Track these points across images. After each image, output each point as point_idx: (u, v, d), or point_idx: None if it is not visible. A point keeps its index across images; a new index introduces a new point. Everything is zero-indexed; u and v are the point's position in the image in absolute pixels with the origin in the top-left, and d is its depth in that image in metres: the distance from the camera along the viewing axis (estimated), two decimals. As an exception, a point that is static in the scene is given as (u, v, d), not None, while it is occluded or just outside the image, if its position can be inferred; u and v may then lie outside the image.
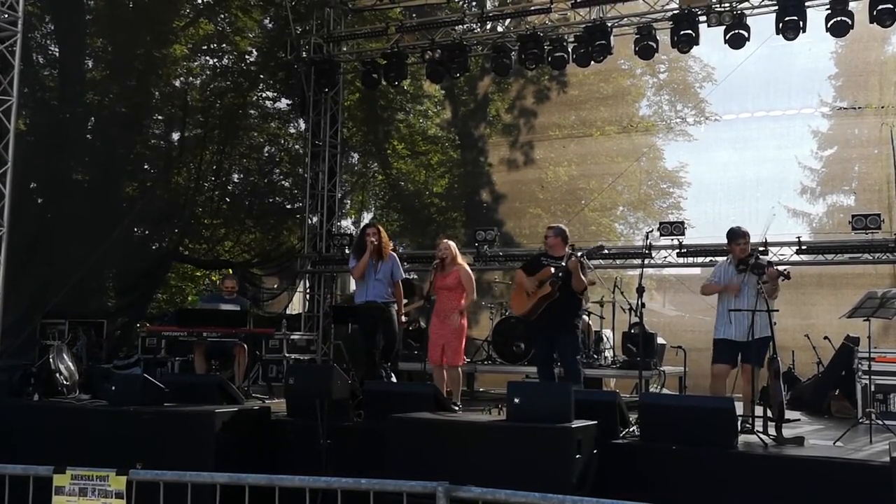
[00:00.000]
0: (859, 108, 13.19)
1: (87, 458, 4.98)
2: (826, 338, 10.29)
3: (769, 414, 6.98)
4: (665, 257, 12.26)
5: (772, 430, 6.74)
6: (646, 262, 11.65)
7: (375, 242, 8.39)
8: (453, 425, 6.30)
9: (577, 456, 5.67)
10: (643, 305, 7.51)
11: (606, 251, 8.72)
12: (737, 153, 14.97)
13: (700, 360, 9.50)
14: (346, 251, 14.30)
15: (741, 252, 7.56)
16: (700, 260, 12.06)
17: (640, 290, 7.52)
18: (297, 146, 16.99)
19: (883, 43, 13.87)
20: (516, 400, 5.97)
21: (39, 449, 6.76)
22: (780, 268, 7.31)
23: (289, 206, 16.84)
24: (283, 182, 17.30)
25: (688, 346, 10.74)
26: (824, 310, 11.89)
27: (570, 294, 7.86)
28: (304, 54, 14.60)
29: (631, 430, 6.66)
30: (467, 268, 8.43)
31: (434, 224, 17.40)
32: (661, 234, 11.95)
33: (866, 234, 10.88)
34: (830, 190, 16.44)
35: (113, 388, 7.29)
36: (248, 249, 16.63)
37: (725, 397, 6.96)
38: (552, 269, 7.77)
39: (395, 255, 8.77)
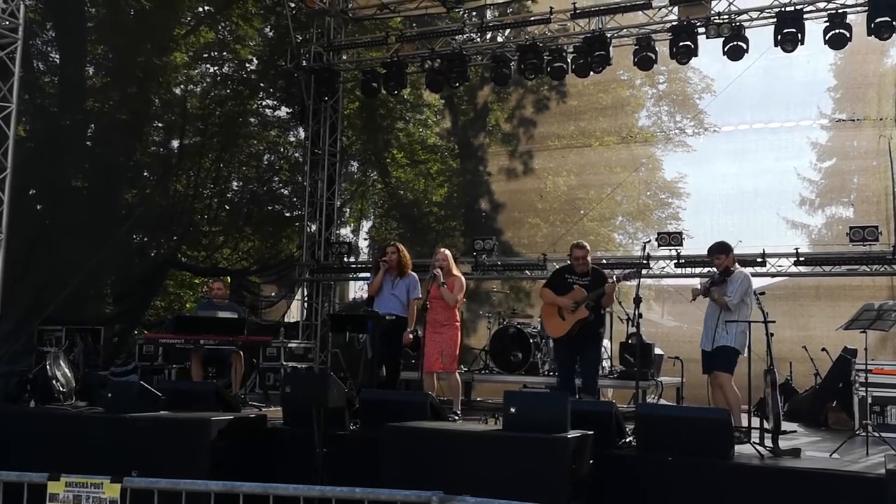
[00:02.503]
0: (858, 120, 13.18)
1: (83, 466, 4.98)
2: (824, 349, 10.30)
3: (765, 425, 6.97)
4: (663, 268, 12.25)
5: (768, 442, 6.73)
6: (644, 272, 11.69)
7: (387, 262, 8.69)
8: (449, 434, 6.29)
9: (574, 466, 5.66)
10: (640, 315, 7.52)
11: (644, 273, 9.06)
12: (735, 164, 14.96)
13: (698, 371, 9.46)
14: (345, 260, 14.39)
15: (718, 266, 7.87)
16: (698, 270, 12.03)
17: (637, 300, 7.54)
18: (296, 154, 17.02)
19: (881, 55, 13.88)
20: (512, 409, 5.96)
21: (35, 455, 6.78)
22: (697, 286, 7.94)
23: (288, 214, 16.87)
24: (282, 190, 17.35)
25: (686, 356, 10.71)
26: (822, 321, 11.87)
27: (598, 310, 8.12)
28: (305, 63, 14.62)
29: (627, 440, 6.66)
30: (462, 278, 8.60)
31: (433, 233, 17.39)
32: (660, 245, 11.94)
33: (864, 245, 10.87)
34: (829, 202, 16.43)
35: (109, 395, 7.27)
36: (247, 257, 16.65)
37: (721, 408, 6.96)
38: (585, 293, 7.93)
39: (414, 275, 8.91)
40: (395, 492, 4.05)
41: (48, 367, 8.46)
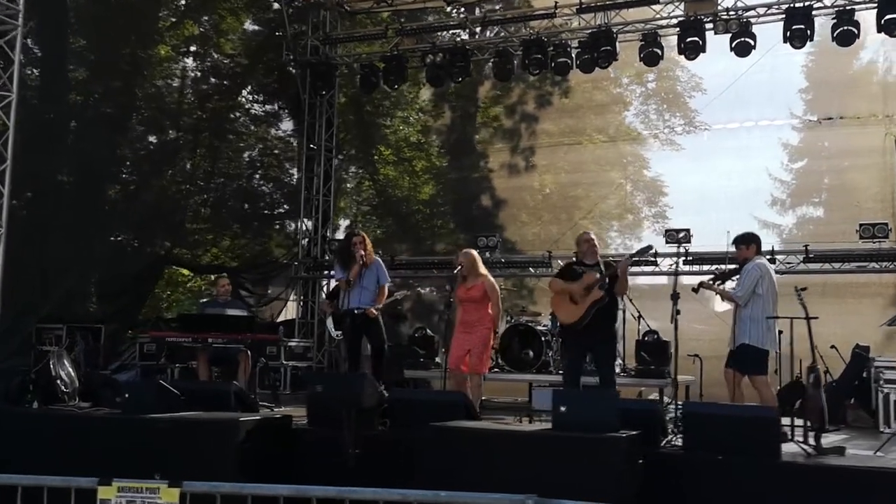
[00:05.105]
0: (861, 117, 13.18)
1: (99, 471, 4.60)
2: (833, 346, 10.22)
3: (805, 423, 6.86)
4: (671, 265, 12.15)
5: (809, 439, 6.62)
6: (652, 270, 11.66)
7: (363, 255, 8.38)
8: (497, 435, 6.08)
9: (625, 465, 5.51)
10: (678, 312, 7.32)
11: (653, 253, 8.79)
12: (725, 162, 15.02)
13: (706, 369, 9.37)
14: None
15: (737, 258, 7.80)
16: (697, 268, 11.95)
17: (675, 297, 7.34)
18: (281, 150, 16.67)
19: (853, 57, 14.00)
20: (562, 408, 5.77)
21: (44, 462, 6.35)
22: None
23: (277, 211, 16.52)
24: (269, 186, 16.95)
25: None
26: (829, 319, 11.81)
27: (611, 301, 7.76)
28: (301, 56, 14.29)
29: (671, 439, 6.51)
30: (492, 279, 8.31)
31: (421, 230, 17.17)
32: (667, 242, 11.83)
33: (874, 242, 10.87)
34: (800, 202, 16.62)
35: (126, 395, 6.95)
36: (236, 256, 16.24)
37: (769, 406, 6.84)
38: (597, 275, 7.62)
39: (379, 260, 8.74)
40: (487, 496, 3.83)
41: (51, 366, 8.10)
